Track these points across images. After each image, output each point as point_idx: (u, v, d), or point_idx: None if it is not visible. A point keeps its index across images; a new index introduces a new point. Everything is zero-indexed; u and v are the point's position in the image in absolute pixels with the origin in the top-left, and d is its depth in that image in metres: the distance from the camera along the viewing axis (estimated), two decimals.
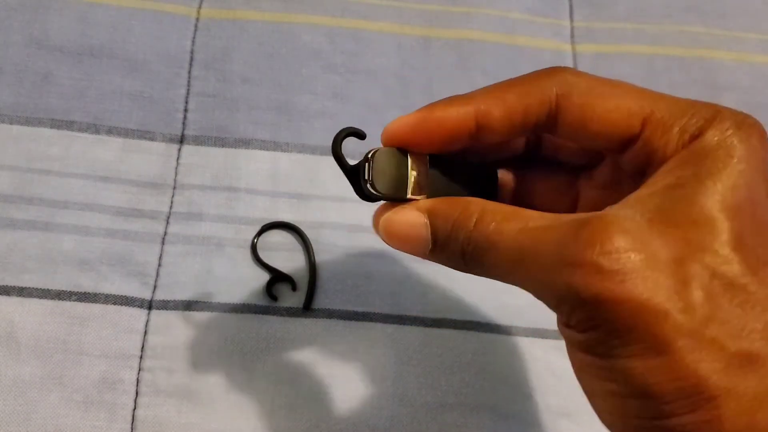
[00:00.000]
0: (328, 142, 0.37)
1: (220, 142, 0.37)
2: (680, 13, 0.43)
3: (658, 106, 0.22)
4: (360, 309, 0.34)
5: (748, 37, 0.43)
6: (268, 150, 0.37)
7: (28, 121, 0.36)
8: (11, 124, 0.36)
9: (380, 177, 0.23)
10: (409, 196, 0.23)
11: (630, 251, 0.18)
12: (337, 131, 0.23)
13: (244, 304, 0.33)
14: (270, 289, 0.33)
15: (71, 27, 0.39)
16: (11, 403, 0.30)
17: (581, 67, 0.41)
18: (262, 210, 0.35)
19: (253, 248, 0.34)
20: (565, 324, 0.20)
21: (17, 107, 0.36)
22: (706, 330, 0.18)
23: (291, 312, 0.33)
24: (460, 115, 0.23)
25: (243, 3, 0.41)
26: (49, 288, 0.32)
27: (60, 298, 0.32)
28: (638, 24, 0.43)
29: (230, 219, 0.35)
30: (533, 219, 0.21)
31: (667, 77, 0.41)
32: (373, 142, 0.24)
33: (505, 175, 0.27)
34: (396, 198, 0.23)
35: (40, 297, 0.32)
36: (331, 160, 0.36)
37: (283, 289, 0.34)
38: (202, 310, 0.33)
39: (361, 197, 0.23)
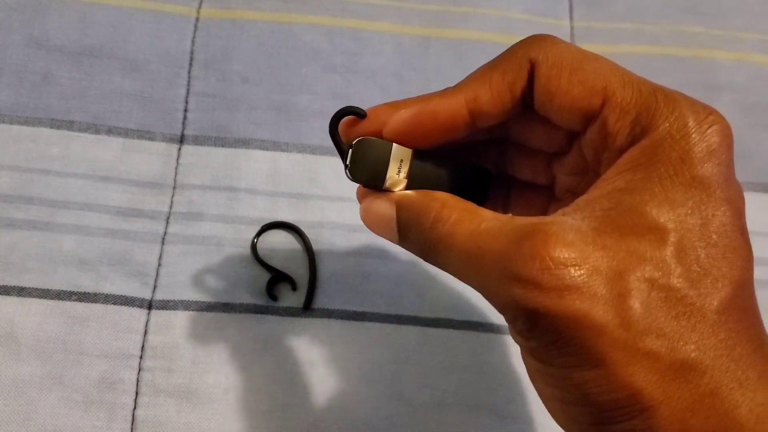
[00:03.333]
0: (329, 142, 0.37)
1: (220, 142, 0.37)
2: (678, 13, 0.43)
3: (620, 89, 0.21)
4: (359, 309, 0.34)
5: (746, 37, 0.43)
6: (267, 150, 0.37)
7: (28, 121, 0.36)
8: (11, 124, 0.36)
9: (359, 165, 0.24)
10: (385, 186, 0.24)
11: (570, 266, 0.19)
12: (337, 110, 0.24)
13: (244, 304, 0.33)
14: (270, 289, 0.33)
15: (71, 27, 0.39)
16: (11, 403, 0.30)
17: None
18: (262, 210, 0.35)
19: (253, 248, 0.34)
20: (511, 329, 0.21)
21: (17, 107, 0.36)
22: (642, 343, 0.18)
23: (291, 312, 0.33)
24: (452, 107, 0.23)
25: (243, 3, 0.41)
26: (49, 288, 0.33)
27: (60, 298, 0.32)
28: (637, 24, 0.43)
29: (230, 219, 0.35)
30: (486, 220, 0.21)
31: (665, 77, 0.41)
32: None
33: (487, 151, 0.27)
34: (373, 187, 0.24)
35: (40, 297, 0.32)
36: (332, 160, 0.37)
37: (283, 289, 0.34)
38: (202, 310, 0.33)
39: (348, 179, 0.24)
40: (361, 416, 0.31)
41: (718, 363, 0.19)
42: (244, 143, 0.37)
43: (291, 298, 0.34)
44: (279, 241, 0.35)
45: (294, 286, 0.34)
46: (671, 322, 0.19)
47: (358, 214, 0.35)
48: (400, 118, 0.23)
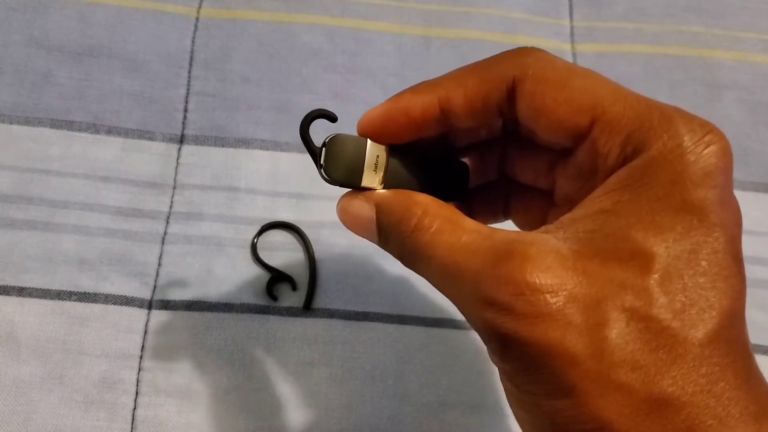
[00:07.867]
0: None
1: (220, 142, 0.37)
2: (680, 13, 0.43)
3: (611, 107, 0.20)
4: (360, 309, 0.34)
5: (747, 37, 0.43)
6: (267, 150, 0.37)
7: (28, 121, 0.36)
8: (11, 124, 0.36)
9: (334, 163, 0.23)
10: (363, 184, 0.23)
11: (545, 292, 0.18)
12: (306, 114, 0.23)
13: (244, 304, 0.33)
14: (270, 289, 0.33)
15: (71, 27, 0.39)
16: (11, 403, 0.30)
17: None
18: (262, 210, 0.35)
19: (253, 248, 0.34)
20: (488, 349, 0.20)
21: (17, 107, 0.36)
22: (615, 375, 0.18)
23: (291, 312, 0.33)
24: (425, 104, 0.23)
25: (243, 3, 0.41)
26: (49, 288, 0.32)
27: (60, 298, 0.32)
28: (638, 23, 0.43)
29: (230, 219, 0.35)
30: (467, 233, 0.20)
31: (667, 76, 0.41)
32: None
33: (489, 151, 0.27)
34: (350, 185, 0.23)
35: (40, 297, 0.32)
36: None
37: (283, 289, 0.34)
38: (202, 310, 0.33)
39: (324, 180, 0.23)
40: (363, 416, 0.31)
41: (696, 399, 0.18)
42: (244, 143, 0.37)
43: (291, 298, 0.34)
44: (279, 241, 0.35)
45: (294, 286, 0.34)
46: (648, 355, 0.18)
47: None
48: (373, 113, 0.23)
